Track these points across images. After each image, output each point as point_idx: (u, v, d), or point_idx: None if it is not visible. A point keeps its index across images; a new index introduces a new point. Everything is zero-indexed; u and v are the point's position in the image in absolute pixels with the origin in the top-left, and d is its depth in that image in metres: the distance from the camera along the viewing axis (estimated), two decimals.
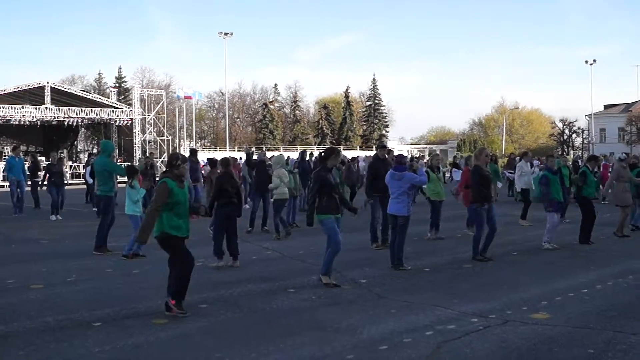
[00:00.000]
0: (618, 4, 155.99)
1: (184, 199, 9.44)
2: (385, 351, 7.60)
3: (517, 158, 28.41)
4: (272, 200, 18.53)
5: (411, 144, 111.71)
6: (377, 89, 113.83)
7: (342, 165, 21.74)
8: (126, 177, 15.76)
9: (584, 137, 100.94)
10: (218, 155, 54.97)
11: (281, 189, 17.74)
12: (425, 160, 34.11)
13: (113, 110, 58.38)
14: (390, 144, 69.87)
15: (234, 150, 74.41)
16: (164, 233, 9.28)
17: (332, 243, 11.36)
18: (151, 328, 8.66)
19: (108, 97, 66.72)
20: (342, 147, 77.75)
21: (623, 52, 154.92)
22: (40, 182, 26.56)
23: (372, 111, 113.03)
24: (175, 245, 9.36)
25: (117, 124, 59.74)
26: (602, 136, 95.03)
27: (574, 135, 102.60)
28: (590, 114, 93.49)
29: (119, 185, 15.97)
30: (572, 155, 76.09)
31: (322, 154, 12.24)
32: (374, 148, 16.89)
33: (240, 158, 32.91)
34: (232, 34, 75.10)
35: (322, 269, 11.48)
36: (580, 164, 28.05)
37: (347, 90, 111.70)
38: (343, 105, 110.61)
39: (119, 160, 46.21)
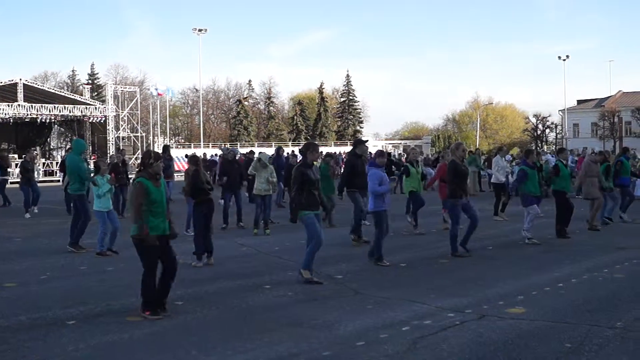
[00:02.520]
0: (591, 1, 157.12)
1: (160, 197, 9.28)
2: (363, 347, 7.57)
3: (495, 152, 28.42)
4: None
5: (385, 139, 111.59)
6: (351, 85, 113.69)
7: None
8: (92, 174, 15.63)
9: (558, 132, 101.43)
10: (191, 152, 54.96)
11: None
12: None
13: (86, 107, 58.12)
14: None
15: (208, 147, 74.00)
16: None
17: (314, 238, 11.27)
18: (126, 326, 8.59)
19: (81, 94, 66.36)
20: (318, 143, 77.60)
21: (596, 49, 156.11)
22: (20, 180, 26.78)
23: (347, 107, 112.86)
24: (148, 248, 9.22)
25: (90, 120, 59.45)
26: (576, 131, 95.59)
27: (547, 131, 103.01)
28: (564, 109, 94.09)
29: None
30: (546, 149, 76.45)
31: (301, 149, 12.13)
32: (352, 144, 16.86)
33: (215, 154, 32.95)
34: (206, 30, 74.67)
35: (303, 264, 11.38)
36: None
37: (321, 86, 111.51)
38: (317, 101, 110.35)
39: (92, 157, 45.95)
